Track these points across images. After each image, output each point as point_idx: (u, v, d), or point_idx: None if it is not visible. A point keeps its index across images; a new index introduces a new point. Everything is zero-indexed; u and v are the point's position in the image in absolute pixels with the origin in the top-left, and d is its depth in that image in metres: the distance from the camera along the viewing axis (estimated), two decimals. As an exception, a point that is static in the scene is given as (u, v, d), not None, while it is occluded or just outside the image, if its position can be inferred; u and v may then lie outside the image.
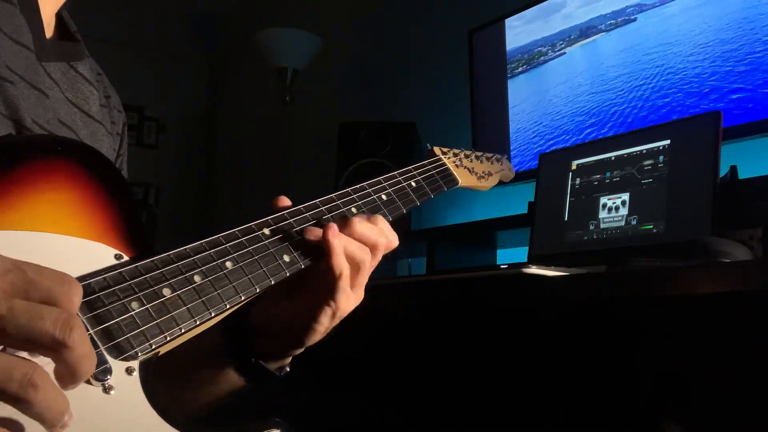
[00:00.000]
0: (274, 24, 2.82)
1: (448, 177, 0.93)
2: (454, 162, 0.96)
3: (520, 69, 1.99)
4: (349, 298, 0.71)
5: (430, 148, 0.96)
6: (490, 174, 1.05)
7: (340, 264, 0.68)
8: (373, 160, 2.27)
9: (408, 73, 2.66)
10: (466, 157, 1.00)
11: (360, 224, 0.72)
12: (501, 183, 1.09)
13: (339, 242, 0.68)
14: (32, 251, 0.53)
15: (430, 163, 0.92)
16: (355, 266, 0.71)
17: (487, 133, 2.06)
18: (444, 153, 0.96)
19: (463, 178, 0.97)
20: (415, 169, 0.88)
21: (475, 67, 2.10)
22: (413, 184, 0.86)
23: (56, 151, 0.60)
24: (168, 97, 3.65)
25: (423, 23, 2.62)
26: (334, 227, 0.69)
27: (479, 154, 1.04)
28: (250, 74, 3.47)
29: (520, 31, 2.02)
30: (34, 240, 0.54)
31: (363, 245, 0.71)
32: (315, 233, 0.70)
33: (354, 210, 0.77)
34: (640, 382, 1.03)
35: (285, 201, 0.72)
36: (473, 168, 1.01)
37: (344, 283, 0.69)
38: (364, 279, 0.73)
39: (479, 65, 2.09)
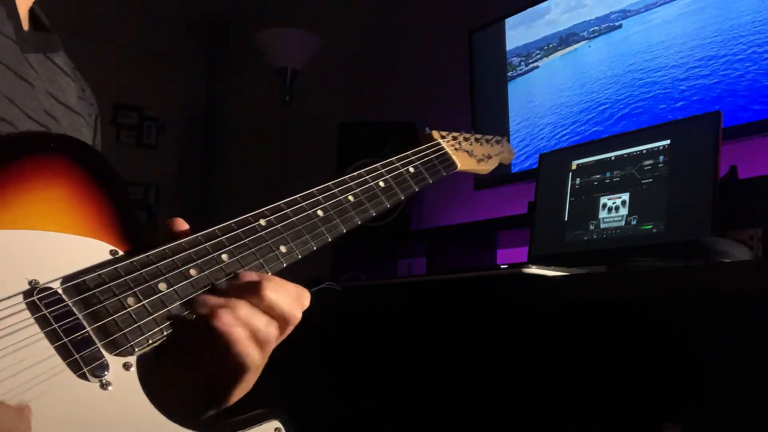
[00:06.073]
0: (274, 24, 2.82)
1: (446, 162, 0.92)
2: (453, 145, 0.95)
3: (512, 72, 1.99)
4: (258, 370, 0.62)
5: (428, 132, 0.94)
6: (489, 156, 1.04)
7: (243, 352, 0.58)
8: (372, 160, 2.24)
9: (408, 73, 2.66)
10: (466, 140, 0.99)
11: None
12: (501, 165, 1.08)
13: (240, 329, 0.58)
14: (26, 251, 0.53)
15: (429, 147, 0.91)
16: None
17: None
18: (443, 137, 0.95)
19: (462, 162, 0.95)
20: (414, 154, 0.87)
21: (475, 67, 2.10)
22: (411, 170, 0.85)
23: (47, 147, 0.59)
24: (168, 97, 3.65)
25: (423, 23, 2.62)
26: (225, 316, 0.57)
27: (479, 136, 1.03)
28: (250, 74, 3.46)
29: (507, 35, 2.02)
30: (27, 239, 0.54)
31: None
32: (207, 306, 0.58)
33: (351, 198, 0.76)
34: (640, 382, 1.03)
35: (182, 225, 0.64)
36: (472, 151, 0.99)
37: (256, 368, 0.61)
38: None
39: (479, 65, 2.09)
